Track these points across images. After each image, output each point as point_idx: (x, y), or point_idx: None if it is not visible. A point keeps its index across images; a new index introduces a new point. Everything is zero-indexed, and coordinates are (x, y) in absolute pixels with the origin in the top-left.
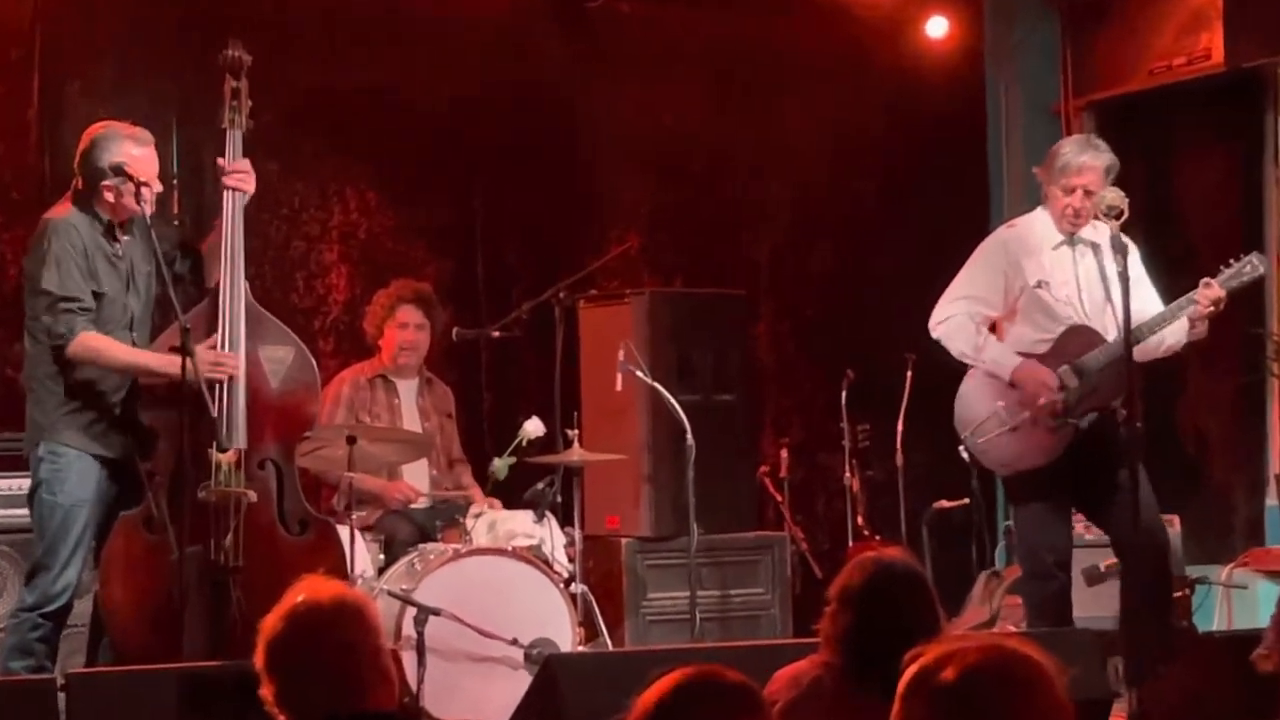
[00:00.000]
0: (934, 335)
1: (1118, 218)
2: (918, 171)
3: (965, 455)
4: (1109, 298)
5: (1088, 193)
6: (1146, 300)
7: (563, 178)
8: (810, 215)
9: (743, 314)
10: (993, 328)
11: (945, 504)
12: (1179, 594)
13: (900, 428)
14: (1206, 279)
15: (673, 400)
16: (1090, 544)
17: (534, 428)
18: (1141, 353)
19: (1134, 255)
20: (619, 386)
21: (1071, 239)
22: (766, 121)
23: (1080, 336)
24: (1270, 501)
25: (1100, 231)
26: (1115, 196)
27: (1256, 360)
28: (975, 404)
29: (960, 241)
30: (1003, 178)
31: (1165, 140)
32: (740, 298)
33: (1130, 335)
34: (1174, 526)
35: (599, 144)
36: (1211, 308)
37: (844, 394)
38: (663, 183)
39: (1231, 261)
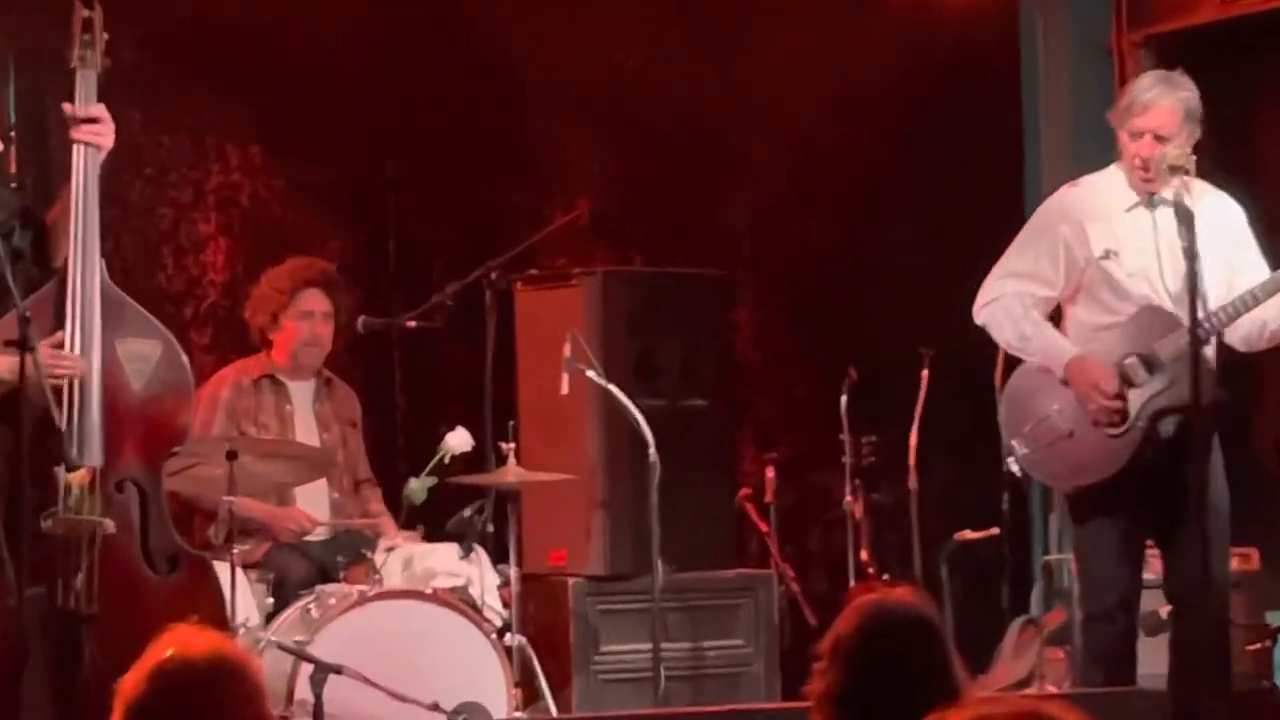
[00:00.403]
0: (978, 321)
1: (1182, 178)
2: (937, 124)
3: (1013, 467)
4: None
5: (1159, 139)
6: (1254, 278)
7: (493, 130)
8: (804, 177)
9: (720, 299)
10: (1058, 315)
11: (969, 535)
12: (1257, 646)
13: (914, 440)
14: None
15: (632, 406)
16: (1151, 584)
17: (459, 441)
18: (1243, 341)
19: (1233, 219)
20: (565, 389)
21: (1151, 200)
22: (748, 60)
23: (1154, 320)
24: None
25: (1196, 191)
26: (1177, 153)
27: None
28: (1027, 404)
29: (989, 209)
30: (1038, 130)
31: (1241, 83)
32: (717, 279)
33: (1197, 322)
34: (1251, 562)
35: (537, 88)
36: None
37: (845, 398)
38: (618, 137)
39: None
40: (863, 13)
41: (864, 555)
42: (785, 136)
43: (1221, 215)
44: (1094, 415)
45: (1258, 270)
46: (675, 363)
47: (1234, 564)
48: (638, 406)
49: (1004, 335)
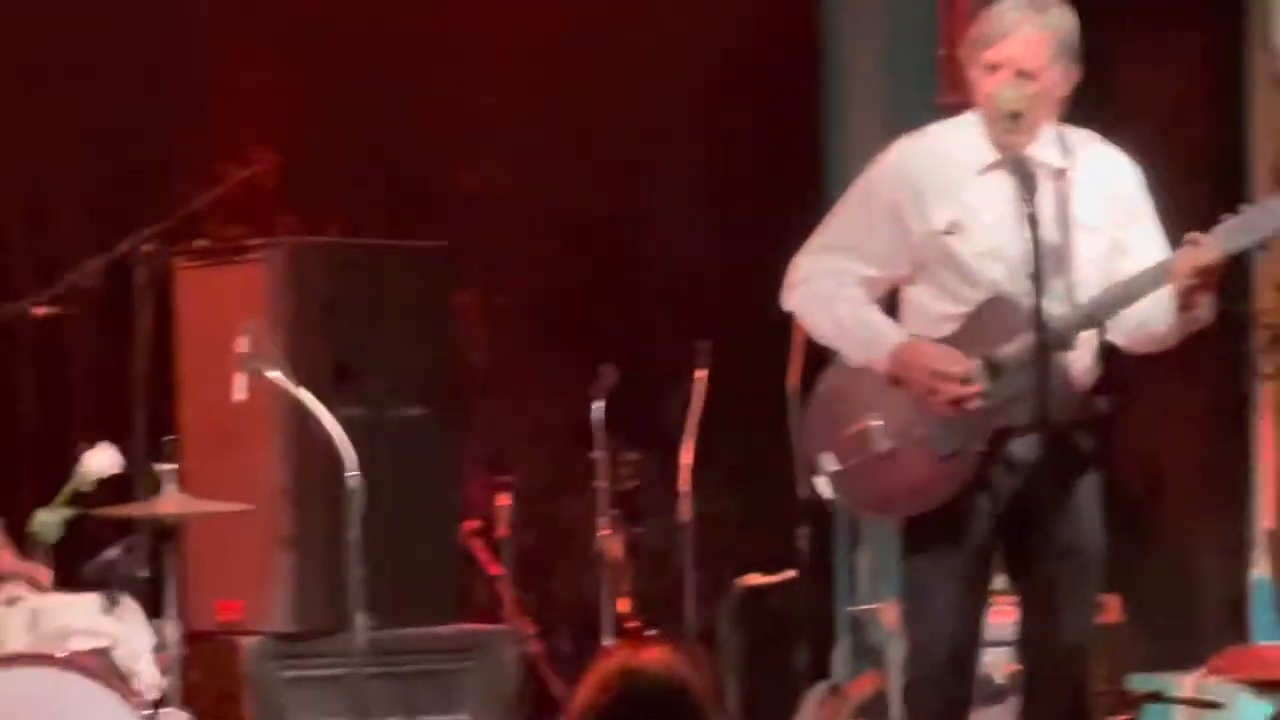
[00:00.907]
0: (787, 306)
1: (1022, 127)
2: (721, 70)
3: (822, 489)
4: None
5: (1023, 75)
6: (1138, 265)
7: (141, 61)
8: (558, 130)
9: (444, 280)
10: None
11: (758, 579)
12: (1120, 718)
13: (687, 459)
14: (1194, 235)
15: (328, 417)
16: (1000, 641)
17: (102, 461)
18: (1124, 338)
19: (1120, 183)
20: (240, 394)
21: (1014, 160)
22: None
23: (1002, 314)
24: (1257, 573)
25: (1070, 144)
26: (1014, 94)
27: (1235, 357)
28: (839, 411)
29: (783, 172)
30: (840, 79)
31: (1108, 19)
32: (437, 254)
33: (1041, 315)
34: (1111, 613)
35: (204, 7)
36: (1196, 280)
37: (600, 406)
38: (307, 69)
39: (1241, 208)
40: None
41: (623, 605)
42: (536, 80)
43: (1106, 178)
44: (944, 406)
45: (1152, 251)
46: (384, 362)
47: None
48: (336, 417)
49: (817, 322)
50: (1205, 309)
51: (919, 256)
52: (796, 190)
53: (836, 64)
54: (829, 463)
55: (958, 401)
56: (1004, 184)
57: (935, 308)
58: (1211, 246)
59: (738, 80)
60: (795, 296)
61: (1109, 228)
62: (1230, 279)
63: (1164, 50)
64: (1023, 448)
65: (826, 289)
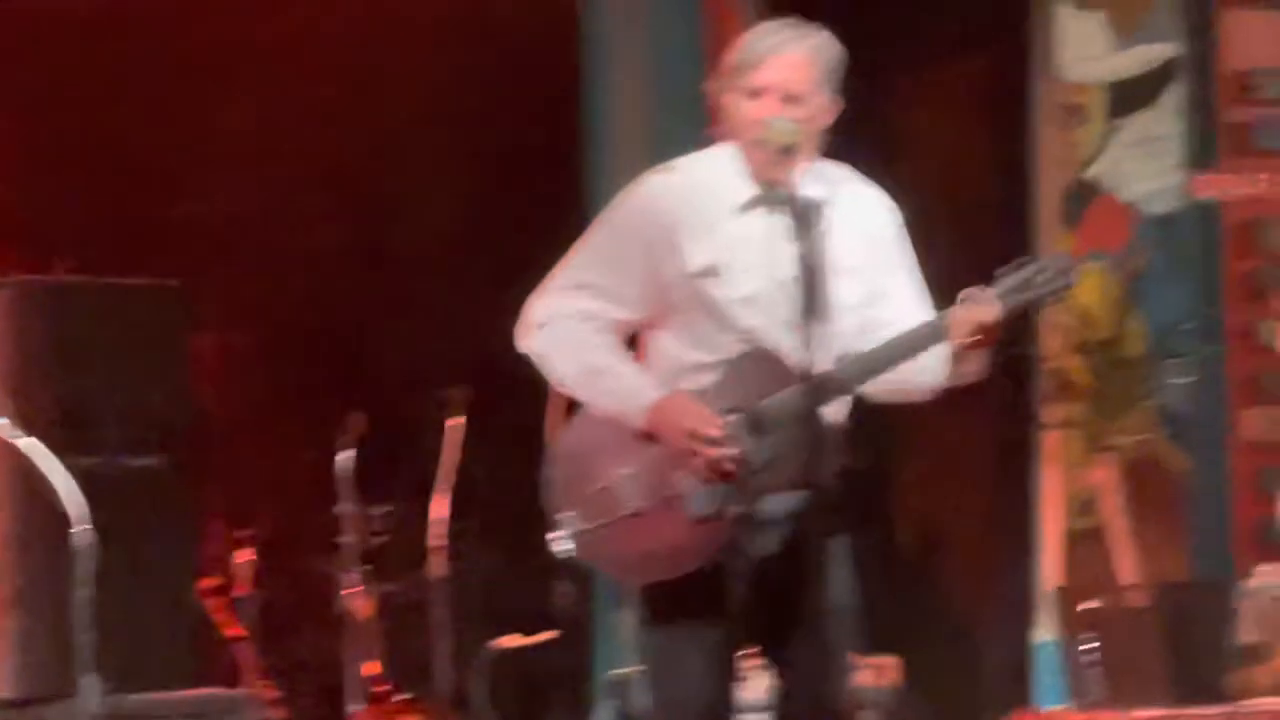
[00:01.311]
0: (524, 349)
1: (794, 161)
2: (485, 100)
3: (565, 548)
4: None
5: (790, 99)
6: (903, 311)
7: None
8: (294, 155)
9: (180, 320)
10: (634, 343)
11: (514, 640)
12: None
13: (440, 513)
14: (972, 290)
15: (57, 466)
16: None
17: None
18: (885, 394)
19: (881, 226)
20: None
21: (772, 194)
22: (236, 9)
23: (763, 366)
24: (1042, 635)
25: (830, 180)
26: (787, 126)
27: (1018, 403)
28: (586, 466)
29: (543, 201)
30: (605, 112)
31: (874, 38)
32: (173, 293)
33: (814, 367)
34: (889, 675)
35: None
36: (977, 336)
37: (347, 456)
38: (32, 93)
39: (1021, 263)
40: None
41: (372, 668)
42: (268, 100)
43: (866, 220)
44: (704, 470)
45: (911, 300)
46: (116, 407)
47: (868, 678)
48: (65, 466)
49: (561, 370)
50: (978, 364)
51: (670, 300)
52: (557, 227)
53: (600, 95)
54: (574, 522)
55: (717, 465)
56: (763, 222)
57: (686, 355)
58: (991, 303)
59: (496, 110)
60: (537, 339)
61: (868, 272)
62: (1012, 322)
63: (945, 82)
64: (776, 505)
65: (574, 333)
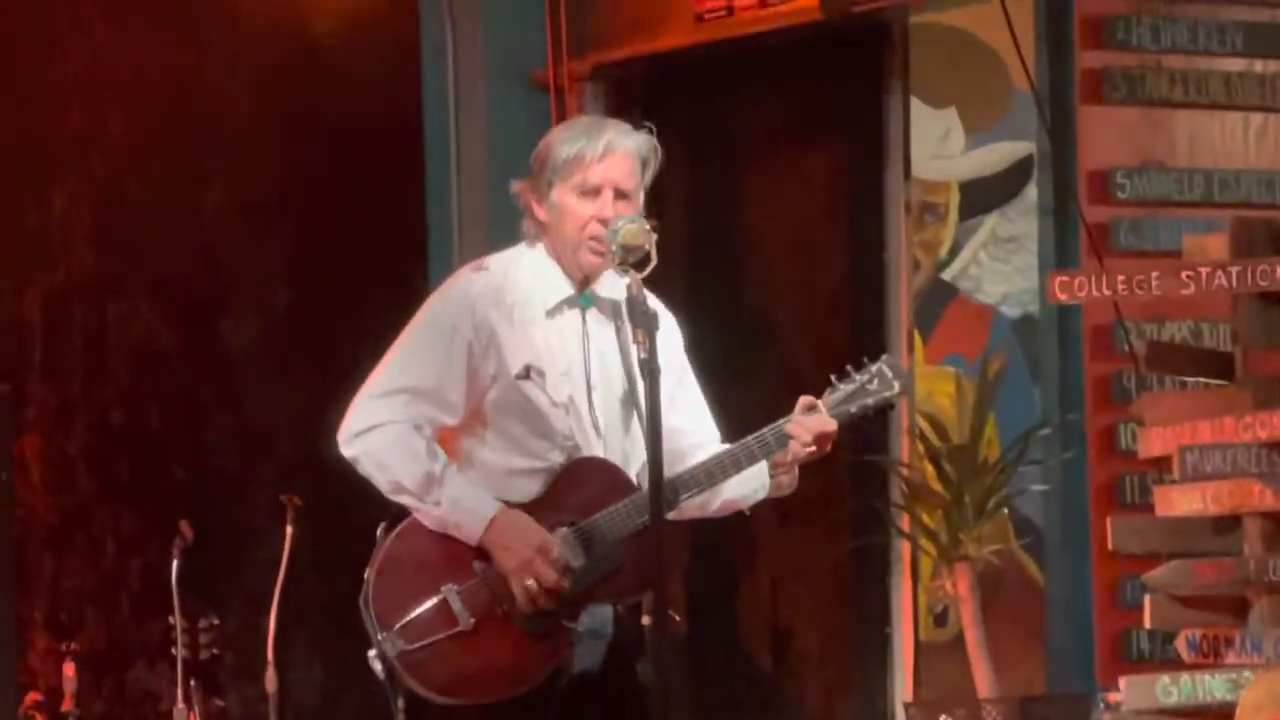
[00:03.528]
0: (348, 454)
1: (639, 266)
2: (319, 175)
3: (379, 669)
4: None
5: (621, 195)
6: (692, 420)
7: None
8: (116, 243)
9: (1, 423)
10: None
11: None
12: None
13: (272, 623)
14: (808, 398)
15: None
16: None
17: None
18: (676, 513)
19: (671, 337)
20: None
21: (582, 294)
22: (24, 73)
23: (591, 476)
24: None
25: (621, 285)
26: (633, 229)
27: (870, 512)
28: (407, 582)
29: (392, 298)
30: (450, 191)
31: (723, 133)
32: None
33: (660, 475)
34: None
35: None
36: (812, 448)
37: (175, 564)
38: None
39: (850, 371)
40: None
41: None
42: (92, 183)
43: (661, 332)
44: (526, 596)
45: (693, 411)
46: None
47: None
48: None
49: (392, 478)
50: (795, 477)
51: (488, 403)
52: (395, 316)
53: (442, 167)
54: (395, 641)
55: (553, 589)
56: (574, 322)
57: (501, 462)
58: (827, 414)
59: (336, 186)
60: (359, 445)
61: (664, 379)
62: (864, 427)
63: (797, 176)
64: (607, 625)
65: (402, 439)
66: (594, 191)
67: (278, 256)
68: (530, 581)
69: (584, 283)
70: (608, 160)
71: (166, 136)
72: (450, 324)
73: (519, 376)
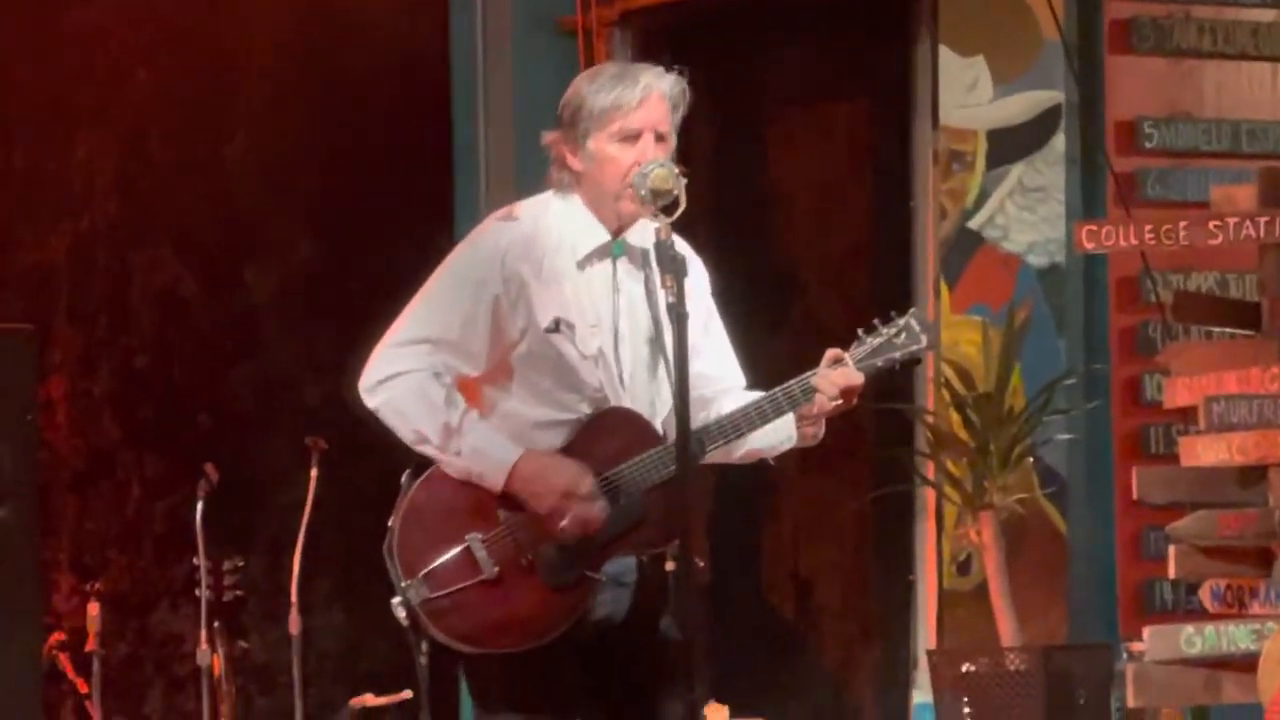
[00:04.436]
0: (369, 403)
1: (668, 210)
2: (342, 126)
3: (402, 617)
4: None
5: (660, 138)
6: (718, 367)
7: None
8: (140, 192)
9: (23, 365)
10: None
11: (373, 700)
12: None
13: (296, 566)
14: (835, 351)
15: None
16: None
17: None
18: (722, 454)
19: (699, 283)
20: None
21: (617, 244)
22: (51, 23)
23: (618, 426)
24: (919, 697)
25: (651, 232)
26: (663, 173)
27: (894, 460)
28: (431, 530)
29: (415, 247)
30: (477, 139)
31: (751, 80)
32: (18, 336)
33: (687, 428)
34: None
35: None
36: (839, 401)
37: (199, 506)
38: None
39: (877, 325)
40: None
41: None
42: (118, 135)
43: (690, 275)
44: (571, 527)
45: (719, 358)
46: None
47: None
48: None
49: (413, 427)
50: (821, 428)
51: (515, 355)
52: (426, 267)
53: (468, 114)
54: (417, 589)
55: (589, 523)
56: (604, 273)
57: (530, 413)
58: (853, 366)
59: (361, 134)
60: (381, 394)
61: (691, 326)
62: (889, 375)
63: (822, 126)
64: (630, 575)
65: (428, 388)
66: (634, 137)
67: (301, 206)
68: (563, 516)
69: (618, 231)
70: (646, 105)
71: (190, 86)
72: (478, 275)
73: (548, 330)
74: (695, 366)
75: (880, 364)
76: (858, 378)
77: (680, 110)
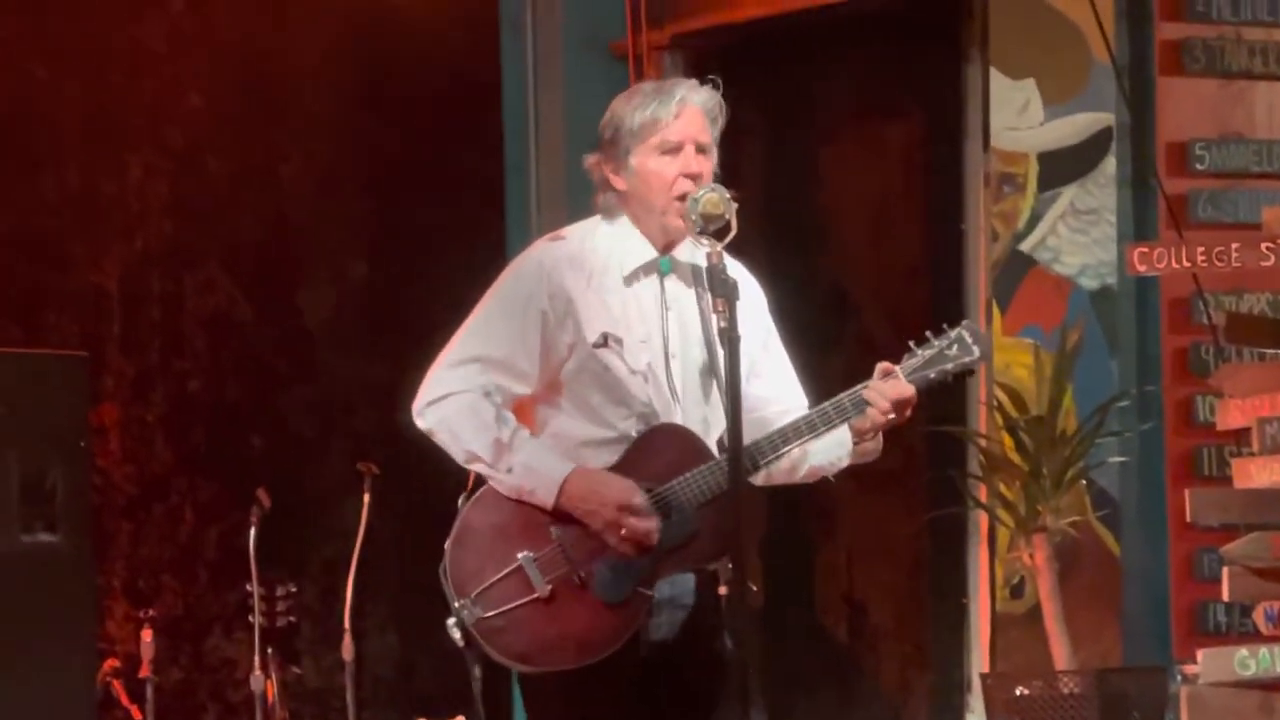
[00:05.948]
0: (422, 425)
1: (719, 235)
2: (396, 151)
3: (458, 637)
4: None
5: (701, 149)
6: (778, 387)
7: None
8: (194, 214)
9: (77, 391)
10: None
11: None
12: None
13: (349, 591)
14: (886, 364)
15: None
16: None
17: None
18: (764, 478)
19: (755, 303)
20: None
21: (664, 260)
22: (113, 51)
23: (669, 443)
24: (972, 717)
25: (701, 252)
26: (714, 198)
27: (947, 483)
28: (483, 550)
29: (466, 268)
30: (528, 162)
31: (802, 103)
32: (72, 362)
33: (739, 443)
34: None
35: None
36: (891, 415)
37: (253, 532)
38: None
39: (929, 337)
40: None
41: None
42: (166, 153)
43: (742, 291)
44: (625, 544)
45: (779, 378)
46: (13, 482)
47: None
48: None
49: (465, 446)
50: (879, 443)
51: (564, 373)
52: (478, 287)
53: (520, 139)
54: (472, 609)
55: (645, 538)
56: (651, 290)
57: (580, 432)
58: (904, 379)
59: (413, 157)
60: (432, 415)
61: (747, 346)
62: (941, 398)
63: (875, 148)
64: (686, 594)
65: (480, 408)
66: (675, 149)
67: (355, 228)
68: (618, 532)
69: (666, 248)
70: (684, 116)
71: (244, 107)
72: (525, 293)
73: (596, 345)
74: (754, 388)
75: (933, 375)
76: (908, 389)
77: (719, 122)
